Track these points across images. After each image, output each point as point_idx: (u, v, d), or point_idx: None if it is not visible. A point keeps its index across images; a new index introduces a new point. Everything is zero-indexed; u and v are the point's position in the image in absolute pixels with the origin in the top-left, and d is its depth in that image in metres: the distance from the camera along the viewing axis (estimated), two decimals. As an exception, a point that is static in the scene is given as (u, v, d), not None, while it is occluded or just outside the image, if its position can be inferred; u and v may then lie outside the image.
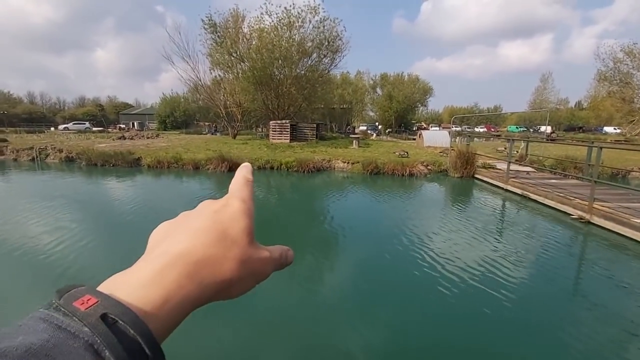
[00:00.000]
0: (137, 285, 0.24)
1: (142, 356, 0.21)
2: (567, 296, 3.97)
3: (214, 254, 0.27)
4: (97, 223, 6.39)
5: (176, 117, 46.07)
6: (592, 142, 9.77)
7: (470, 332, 3.17)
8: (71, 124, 43.35)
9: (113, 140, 22.84)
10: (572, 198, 7.35)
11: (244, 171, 0.35)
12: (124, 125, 49.37)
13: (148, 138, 25.77)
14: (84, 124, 43.81)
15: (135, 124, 51.81)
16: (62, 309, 0.21)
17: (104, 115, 61.34)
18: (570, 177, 10.53)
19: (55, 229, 5.75)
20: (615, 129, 45.71)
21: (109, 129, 43.68)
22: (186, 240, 0.27)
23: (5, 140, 19.28)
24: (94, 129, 42.19)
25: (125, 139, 24.34)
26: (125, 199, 8.20)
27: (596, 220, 6.34)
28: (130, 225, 6.26)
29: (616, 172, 12.44)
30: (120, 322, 0.21)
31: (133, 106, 71.67)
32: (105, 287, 0.24)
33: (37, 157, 15.75)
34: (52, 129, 41.78)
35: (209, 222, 0.29)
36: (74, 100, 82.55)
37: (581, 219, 6.59)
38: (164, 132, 39.23)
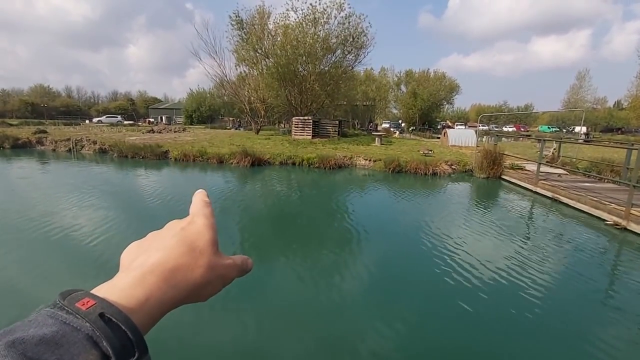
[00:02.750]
0: (123, 287, 0.29)
1: (129, 346, 0.25)
2: (598, 306, 3.78)
3: (186, 262, 0.32)
4: (128, 211, 6.70)
5: (202, 112, 47.24)
6: (632, 144, 9.17)
7: (491, 337, 3.10)
8: (104, 117, 45.44)
9: (143, 133, 23.73)
10: (607, 203, 6.96)
11: (201, 195, 0.41)
12: (153, 119, 51.14)
13: (175, 132, 26.59)
14: (116, 117, 45.79)
15: (163, 118, 53.54)
16: (66, 308, 0.25)
17: (135, 109, 63.85)
18: (605, 180, 9.96)
19: (90, 216, 6.09)
20: (658, 130, 42.62)
21: (139, 123, 45.40)
22: (160, 253, 0.32)
23: (45, 132, 20.47)
24: (125, 122, 43.96)
25: (154, 132, 25.21)
26: (153, 190, 8.54)
27: (634, 227, 5.98)
28: (156, 214, 6.52)
29: (658, 176, 11.64)
30: (114, 319, 0.25)
31: (162, 101, 74.11)
32: (98, 292, 0.28)
33: (73, 148, 16.64)
34: (87, 121, 43.92)
35: (177, 237, 0.34)
36: (107, 94, 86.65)
37: (617, 225, 6.24)
38: (190, 126, 40.32)
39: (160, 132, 25.27)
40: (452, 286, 3.92)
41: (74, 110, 59.85)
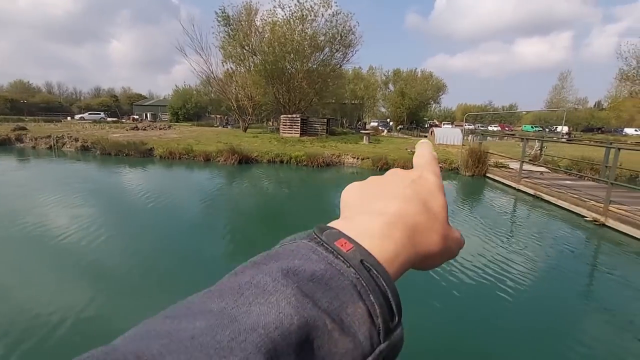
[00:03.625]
0: (372, 235, 0.24)
1: (388, 310, 0.21)
2: (578, 300, 3.88)
3: (423, 222, 0.26)
4: (111, 209, 6.52)
5: (188, 109, 46.53)
6: (611, 143, 9.49)
7: (475, 333, 3.13)
8: (87, 114, 44.20)
9: (126, 130, 23.20)
10: (586, 200, 7.16)
11: (428, 147, 0.34)
12: (137, 116, 50.16)
13: (160, 129, 26.10)
14: (99, 114, 44.61)
15: (148, 115, 52.56)
16: (326, 245, 0.22)
17: (118, 106, 62.37)
18: (585, 178, 10.25)
19: (73, 215, 5.90)
20: (636, 130, 44.28)
21: (123, 120, 44.44)
22: (398, 203, 0.27)
23: (24, 129, 19.77)
24: (109, 119, 42.96)
25: (138, 129, 24.69)
26: (138, 187, 8.34)
27: (611, 223, 6.17)
28: (142, 212, 6.38)
29: (635, 174, 12.06)
30: (374, 271, 0.21)
31: (146, 97, 72.68)
32: (345, 231, 0.24)
33: (54, 145, 16.13)
34: (69, 118, 42.69)
35: (409, 190, 0.28)
36: (89, 90, 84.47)
37: (595, 221, 6.43)
38: (176, 123, 39.65)
39: (144, 129, 24.77)
40: (436, 282, 3.95)
41: (54, 107, 58.07)
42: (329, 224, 0.25)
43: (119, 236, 5.11)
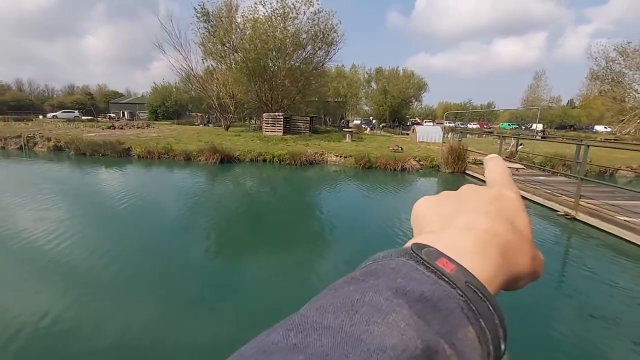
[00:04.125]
0: (467, 252, 0.22)
1: (497, 338, 0.20)
2: (550, 290, 4.04)
3: (513, 242, 0.24)
4: (88, 212, 6.30)
5: (167, 107, 45.38)
6: (581, 140, 9.92)
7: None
8: (60, 112, 42.44)
9: (102, 129, 22.42)
10: (559, 195, 7.46)
11: (501, 162, 0.32)
12: (114, 115, 48.52)
13: (138, 128, 25.37)
14: (73, 112, 42.90)
15: (125, 113, 50.96)
16: (427, 265, 0.21)
17: (94, 104, 60.18)
18: (558, 174, 10.67)
19: (47, 218, 5.66)
20: (605, 127, 46.38)
21: (99, 118, 42.90)
22: (487, 219, 0.25)
23: (-10, 128, 18.79)
24: (84, 117, 41.35)
25: (115, 128, 23.91)
26: (115, 189, 8.08)
27: (581, 217, 6.45)
28: (120, 214, 6.19)
29: (604, 170, 12.65)
30: (480, 294, 0.20)
31: (123, 95, 70.36)
32: (439, 248, 0.23)
33: (25, 145, 15.41)
34: (41, 117, 40.83)
35: (493, 207, 0.26)
36: (62, 88, 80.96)
37: (567, 215, 6.70)
38: (155, 122, 38.63)
39: (121, 128, 24.01)
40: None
41: (25, 105, 55.41)
42: (417, 240, 0.24)
43: (94, 239, 4.94)
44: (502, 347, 0.20)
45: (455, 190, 0.30)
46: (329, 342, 0.16)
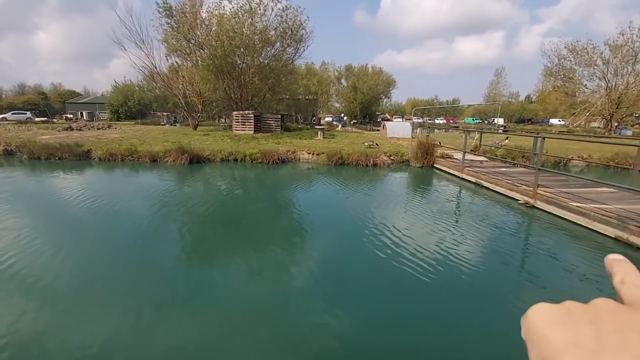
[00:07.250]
0: None
1: None
2: (513, 272, 4.30)
3: None
4: (45, 220, 5.86)
5: (130, 106, 43.24)
6: (538, 132, 10.58)
7: (430, 306, 3.34)
8: (9, 113, 39.20)
9: (59, 131, 20.98)
10: (519, 185, 7.90)
11: (634, 270, 0.26)
12: (71, 115, 45.58)
13: (99, 129, 23.98)
14: (25, 113, 39.85)
15: (84, 113, 47.99)
16: None
17: (48, 105, 56.18)
18: (518, 165, 11.30)
19: (-11, 230, 5.20)
20: (559, 120, 49.65)
21: (54, 120, 40.13)
22: None
23: None
24: (37, 119, 38.50)
25: (72, 130, 22.45)
26: (75, 194, 7.58)
27: (539, 204, 6.88)
28: (82, 221, 5.81)
29: (559, 160, 13.55)
30: None
31: (81, 94, 66.19)
32: None
33: (-33, 150, 14.09)
34: (-13, 119, 37.52)
35: None
36: (12, 87, 74.75)
37: (526, 203, 7.12)
38: (116, 122, 36.73)
39: (80, 130, 22.59)
40: (394, 270, 4.12)
41: (-32, 106, 50.70)
42: None
43: (53, 249, 4.61)
44: None
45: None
46: None
